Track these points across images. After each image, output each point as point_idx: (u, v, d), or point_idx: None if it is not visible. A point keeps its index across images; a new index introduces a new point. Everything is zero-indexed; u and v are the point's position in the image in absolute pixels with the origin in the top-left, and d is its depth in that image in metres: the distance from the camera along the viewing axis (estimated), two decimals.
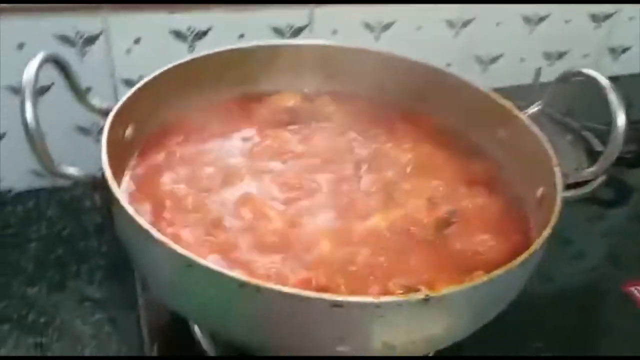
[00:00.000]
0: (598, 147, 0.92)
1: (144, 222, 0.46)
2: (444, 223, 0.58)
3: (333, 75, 0.75)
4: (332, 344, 0.45)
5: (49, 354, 0.68)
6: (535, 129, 0.62)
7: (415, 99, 0.73)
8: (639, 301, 0.74)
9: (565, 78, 0.63)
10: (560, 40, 1.06)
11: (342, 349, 0.45)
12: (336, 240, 0.55)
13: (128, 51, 0.82)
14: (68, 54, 0.79)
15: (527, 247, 0.49)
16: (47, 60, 0.53)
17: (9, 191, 0.86)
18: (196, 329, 0.65)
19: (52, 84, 0.78)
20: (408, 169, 0.64)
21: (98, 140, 0.88)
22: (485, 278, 0.45)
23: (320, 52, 0.74)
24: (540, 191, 0.59)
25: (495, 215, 0.60)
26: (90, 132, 0.86)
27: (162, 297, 0.53)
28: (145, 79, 0.62)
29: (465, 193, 0.62)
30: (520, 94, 0.72)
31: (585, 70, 0.59)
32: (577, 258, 0.82)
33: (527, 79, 1.01)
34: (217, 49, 0.70)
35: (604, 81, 0.57)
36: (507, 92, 0.69)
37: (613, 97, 0.55)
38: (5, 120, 0.81)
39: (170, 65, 0.65)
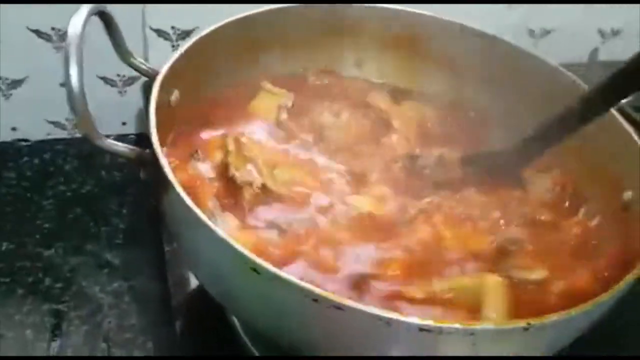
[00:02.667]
0: None
1: (204, 216, 0.40)
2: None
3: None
4: None
5: (65, 323, 0.63)
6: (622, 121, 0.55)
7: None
8: None
9: None
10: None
11: None
12: None
13: None
14: None
15: None
16: (92, 13, 0.47)
17: (26, 141, 0.80)
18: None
19: None
20: None
21: (122, 93, 0.86)
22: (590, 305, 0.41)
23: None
24: (628, 195, 0.53)
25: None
26: (114, 83, 0.79)
27: (211, 289, 0.48)
28: (195, 38, 0.55)
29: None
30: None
31: None
32: None
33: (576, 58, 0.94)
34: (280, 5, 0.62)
35: None
36: None
37: None
38: (27, 64, 0.75)
39: (223, 22, 0.57)
